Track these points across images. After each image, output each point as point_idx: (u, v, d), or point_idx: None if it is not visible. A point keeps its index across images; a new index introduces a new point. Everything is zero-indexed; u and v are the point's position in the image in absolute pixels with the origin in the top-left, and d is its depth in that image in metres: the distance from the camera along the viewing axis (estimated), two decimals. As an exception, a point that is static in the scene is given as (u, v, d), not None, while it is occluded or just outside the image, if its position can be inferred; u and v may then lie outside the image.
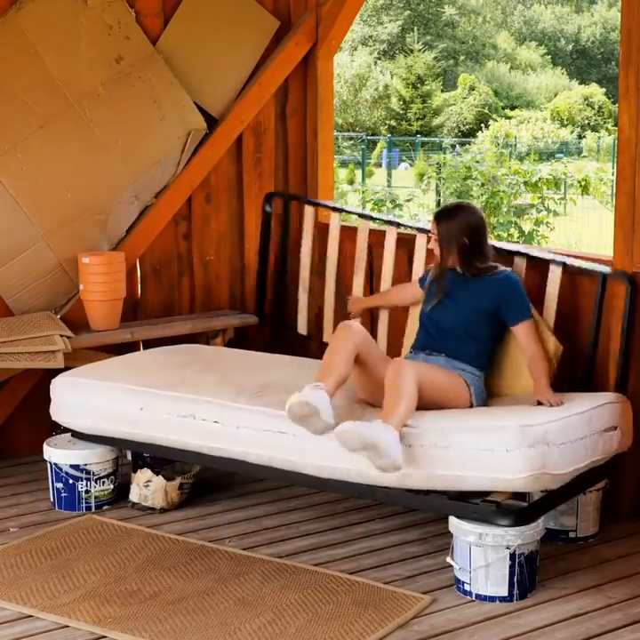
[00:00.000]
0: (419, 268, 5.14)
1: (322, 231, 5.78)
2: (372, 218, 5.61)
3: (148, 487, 4.64)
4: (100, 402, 4.56)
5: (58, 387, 4.71)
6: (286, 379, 4.58)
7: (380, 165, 28.46)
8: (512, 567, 3.78)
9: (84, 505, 4.67)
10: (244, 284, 5.96)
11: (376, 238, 5.46)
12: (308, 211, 5.82)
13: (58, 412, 4.72)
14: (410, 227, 5.45)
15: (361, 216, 5.62)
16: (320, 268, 5.74)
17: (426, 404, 4.11)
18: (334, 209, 5.67)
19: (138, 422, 4.46)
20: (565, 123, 37.09)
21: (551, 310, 4.59)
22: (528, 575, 3.83)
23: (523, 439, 3.74)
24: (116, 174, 5.38)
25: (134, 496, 4.69)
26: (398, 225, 5.40)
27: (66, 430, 4.84)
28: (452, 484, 3.86)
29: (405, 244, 5.31)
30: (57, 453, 4.67)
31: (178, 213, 5.66)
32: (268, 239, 5.91)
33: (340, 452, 3.95)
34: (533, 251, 4.88)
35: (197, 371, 4.71)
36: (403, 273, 5.29)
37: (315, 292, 5.79)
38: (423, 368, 4.22)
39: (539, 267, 4.71)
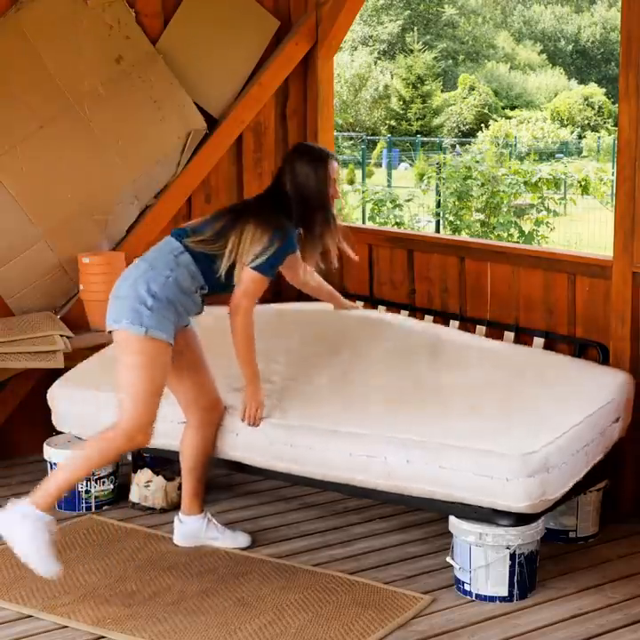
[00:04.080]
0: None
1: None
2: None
3: (148, 487, 4.64)
4: (98, 414, 4.48)
5: (54, 399, 4.68)
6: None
7: (380, 165, 28.44)
8: (512, 567, 3.78)
9: (84, 505, 4.67)
10: (244, 284, 5.95)
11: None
12: None
13: (60, 424, 4.70)
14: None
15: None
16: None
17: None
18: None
19: None
20: (565, 123, 37.07)
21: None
22: (528, 575, 3.83)
23: (523, 469, 3.64)
24: (116, 174, 5.38)
25: (134, 496, 4.69)
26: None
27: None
28: (453, 500, 3.83)
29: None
30: (57, 453, 4.66)
31: (178, 213, 5.66)
32: None
33: (342, 461, 3.95)
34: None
35: None
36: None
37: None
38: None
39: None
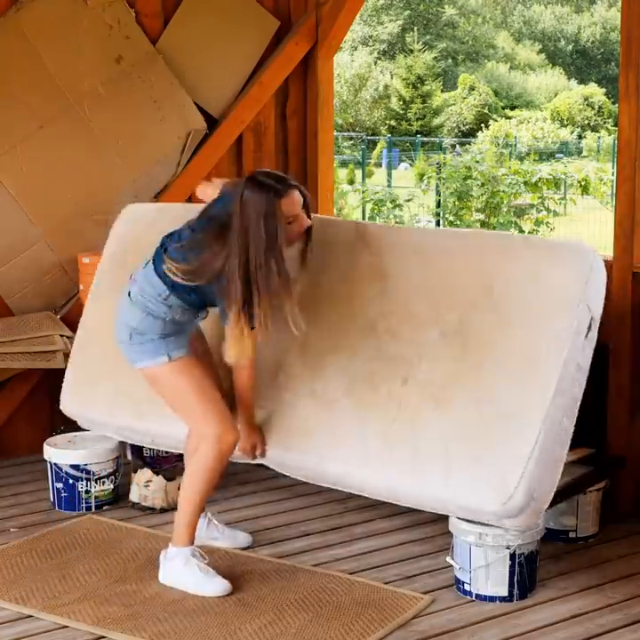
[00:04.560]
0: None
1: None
2: None
3: (147, 487, 4.64)
4: (114, 430, 4.52)
5: (67, 409, 4.61)
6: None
7: (380, 165, 28.45)
8: (512, 567, 3.78)
9: (84, 505, 4.67)
10: (244, 284, 5.95)
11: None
12: None
13: (94, 429, 4.66)
14: None
15: None
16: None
17: None
18: None
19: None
20: (565, 123, 37.10)
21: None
22: (528, 575, 3.83)
23: (507, 512, 3.59)
24: (116, 174, 5.38)
25: (134, 496, 4.69)
26: None
27: (66, 430, 4.84)
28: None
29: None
30: (57, 453, 4.66)
31: (178, 213, 5.67)
32: None
33: (338, 480, 3.96)
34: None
35: None
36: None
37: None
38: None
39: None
